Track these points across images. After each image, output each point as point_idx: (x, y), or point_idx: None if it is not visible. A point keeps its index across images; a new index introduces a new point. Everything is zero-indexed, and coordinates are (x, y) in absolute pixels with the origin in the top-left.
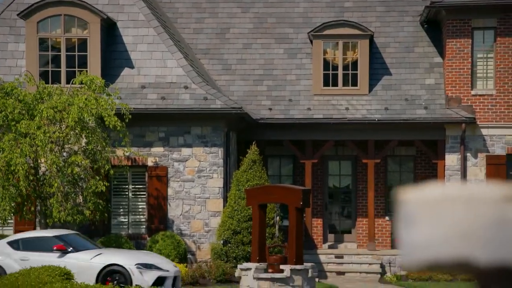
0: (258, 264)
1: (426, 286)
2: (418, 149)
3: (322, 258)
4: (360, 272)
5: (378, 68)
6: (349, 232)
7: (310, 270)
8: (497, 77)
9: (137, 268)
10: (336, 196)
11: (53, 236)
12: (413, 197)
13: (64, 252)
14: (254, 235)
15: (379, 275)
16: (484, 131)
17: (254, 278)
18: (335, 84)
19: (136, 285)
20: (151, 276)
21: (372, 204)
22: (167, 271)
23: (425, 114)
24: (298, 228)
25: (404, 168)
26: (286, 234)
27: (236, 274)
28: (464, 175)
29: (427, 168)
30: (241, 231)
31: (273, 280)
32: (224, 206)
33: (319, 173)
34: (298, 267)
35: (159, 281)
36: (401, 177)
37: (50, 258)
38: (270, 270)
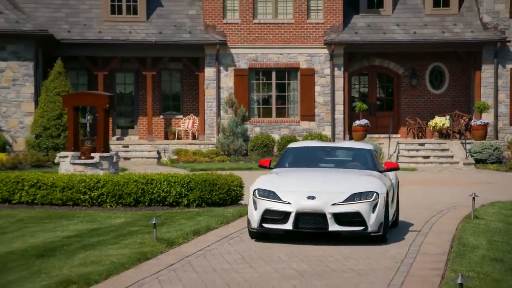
0: (73, 153)
1: (193, 166)
2: (184, 64)
3: (113, 147)
4: (142, 158)
5: (153, 1)
6: (133, 127)
7: (114, 157)
8: (241, 10)
9: (253, 194)
10: (122, 100)
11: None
12: None
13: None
14: (69, 130)
15: (156, 160)
16: (233, 51)
17: (70, 163)
18: (120, 12)
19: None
20: (260, 209)
21: (150, 106)
22: (288, 203)
23: (189, 37)
24: (105, 125)
25: (174, 79)
26: (94, 130)
27: (56, 160)
28: (218, 83)
29: (191, 79)
30: (50, 127)
31: (85, 165)
32: (35, 108)
33: (109, 83)
34: (105, 154)
35: (276, 215)
36: (171, 86)
37: None
38: (83, 157)
